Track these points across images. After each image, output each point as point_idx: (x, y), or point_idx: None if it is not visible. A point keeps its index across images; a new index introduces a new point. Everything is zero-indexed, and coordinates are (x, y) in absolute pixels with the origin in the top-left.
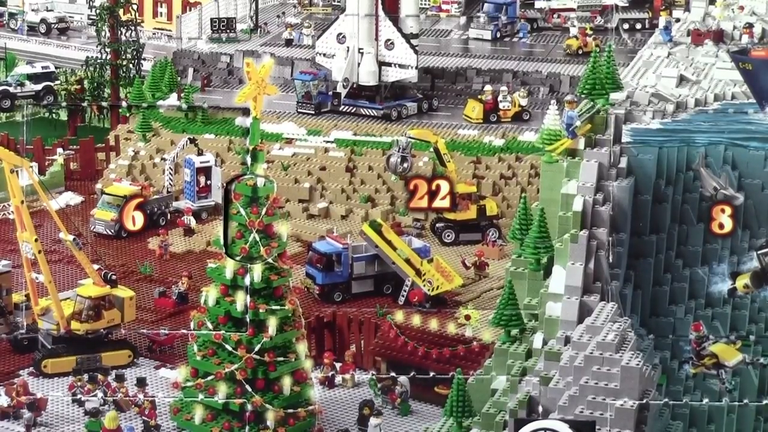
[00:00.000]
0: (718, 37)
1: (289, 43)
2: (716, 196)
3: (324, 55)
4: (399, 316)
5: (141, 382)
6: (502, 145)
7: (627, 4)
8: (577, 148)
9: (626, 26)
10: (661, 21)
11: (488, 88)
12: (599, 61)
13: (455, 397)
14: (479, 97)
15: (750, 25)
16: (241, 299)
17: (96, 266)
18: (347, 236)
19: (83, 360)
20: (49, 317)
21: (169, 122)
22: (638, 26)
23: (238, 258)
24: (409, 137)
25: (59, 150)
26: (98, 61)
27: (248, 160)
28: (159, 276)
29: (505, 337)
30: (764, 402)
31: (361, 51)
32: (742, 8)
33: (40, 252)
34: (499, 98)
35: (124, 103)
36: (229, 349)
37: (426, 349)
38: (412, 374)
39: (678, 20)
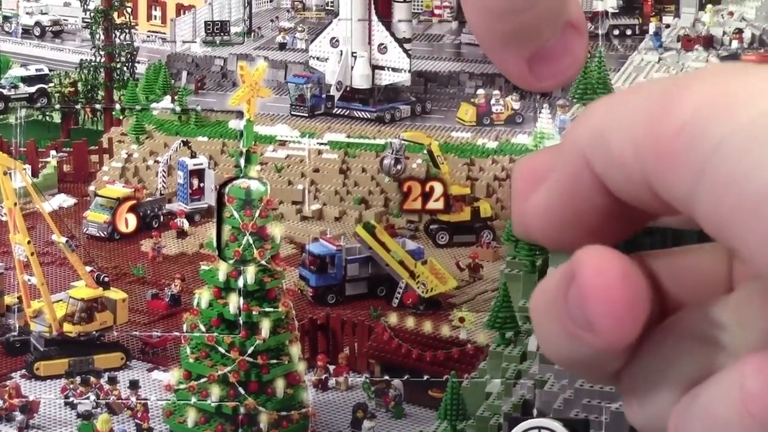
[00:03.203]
0: (708, 42)
1: (282, 46)
2: None
3: (317, 58)
4: (393, 318)
5: (133, 385)
6: (496, 147)
7: (617, 11)
8: None
9: (617, 32)
10: (651, 27)
11: (481, 92)
12: (590, 67)
13: (449, 401)
14: (472, 100)
15: (740, 31)
16: (234, 301)
17: (89, 268)
18: (341, 238)
19: (76, 362)
20: (42, 319)
21: (162, 125)
22: (628, 32)
23: (231, 261)
24: (403, 139)
25: (52, 152)
26: (92, 63)
27: (242, 162)
28: (152, 278)
29: (500, 339)
30: None
31: (354, 55)
32: (731, 14)
33: (32, 254)
34: (492, 102)
35: (117, 106)
36: (222, 351)
37: (420, 351)
38: (406, 377)
39: (668, 26)
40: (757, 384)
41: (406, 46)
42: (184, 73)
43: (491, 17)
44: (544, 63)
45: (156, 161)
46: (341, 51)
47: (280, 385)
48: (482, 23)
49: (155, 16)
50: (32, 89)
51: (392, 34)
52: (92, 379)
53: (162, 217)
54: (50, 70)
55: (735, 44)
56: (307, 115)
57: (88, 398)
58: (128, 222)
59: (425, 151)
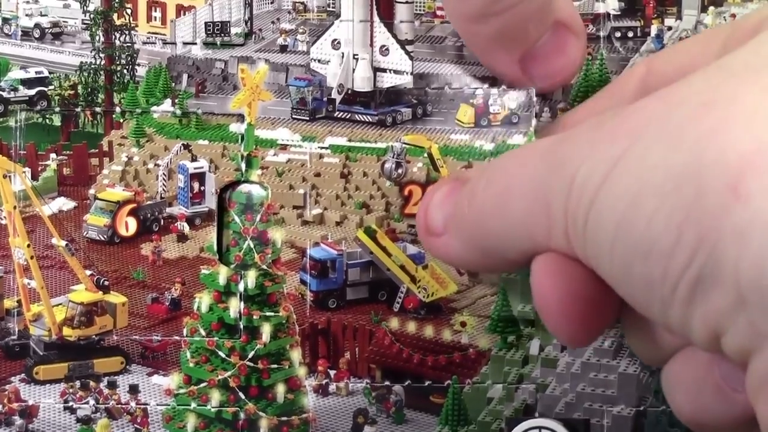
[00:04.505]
0: None
1: (283, 49)
2: None
3: (319, 61)
4: (394, 322)
5: (133, 389)
6: (492, 149)
7: (619, 13)
8: None
9: (618, 34)
10: (653, 29)
11: (480, 92)
12: (591, 69)
13: (450, 406)
14: (471, 101)
15: None
16: (235, 306)
17: (88, 272)
18: (342, 242)
19: (75, 366)
20: (41, 323)
21: (162, 128)
22: (630, 34)
23: (232, 266)
24: (404, 143)
25: (52, 155)
26: (92, 66)
27: (243, 166)
28: (152, 282)
29: (502, 343)
30: None
31: (356, 57)
32: (733, 16)
33: (32, 257)
34: (490, 101)
35: (117, 109)
36: (223, 356)
37: (421, 356)
38: (407, 382)
39: (670, 28)
40: None
41: (408, 47)
42: (185, 76)
43: (469, 22)
44: (536, 63)
45: (156, 164)
46: (342, 53)
47: (280, 390)
48: (462, 28)
49: (155, 17)
50: (32, 92)
51: (394, 36)
52: (92, 383)
53: (162, 221)
54: (50, 73)
55: None
56: (308, 118)
57: (87, 403)
58: (128, 225)
59: (425, 155)
